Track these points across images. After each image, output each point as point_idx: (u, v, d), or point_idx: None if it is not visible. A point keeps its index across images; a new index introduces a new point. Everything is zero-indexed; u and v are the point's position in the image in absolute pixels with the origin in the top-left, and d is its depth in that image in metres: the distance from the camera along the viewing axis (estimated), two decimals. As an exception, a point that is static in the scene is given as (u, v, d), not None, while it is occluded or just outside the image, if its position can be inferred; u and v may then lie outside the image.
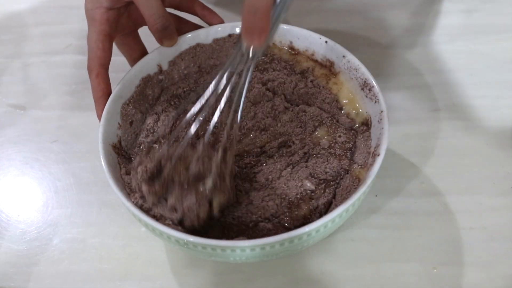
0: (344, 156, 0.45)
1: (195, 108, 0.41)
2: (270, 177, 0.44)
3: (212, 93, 0.41)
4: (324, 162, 0.44)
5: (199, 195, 0.38)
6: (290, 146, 0.46)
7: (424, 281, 0.43)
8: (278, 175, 0.44)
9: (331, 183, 0.43)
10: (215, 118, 0.40)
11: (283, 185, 0.43)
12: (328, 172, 0.44)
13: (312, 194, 0.42)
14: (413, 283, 0.44)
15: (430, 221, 0.47)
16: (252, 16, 0.35)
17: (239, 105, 0.41)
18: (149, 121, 0.48)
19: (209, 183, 0.38)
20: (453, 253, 0.45)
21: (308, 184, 0.43)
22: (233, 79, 0.41)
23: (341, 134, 0.46)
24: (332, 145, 0.45)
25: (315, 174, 0.44)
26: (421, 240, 0.46)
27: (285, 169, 0.44)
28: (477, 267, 0.44)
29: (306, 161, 0.45)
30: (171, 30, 0.47)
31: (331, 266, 0.45)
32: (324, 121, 0.47)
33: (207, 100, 0.41)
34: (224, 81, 0.41)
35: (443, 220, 0.47)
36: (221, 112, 0.40)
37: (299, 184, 0.43)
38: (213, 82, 0.41)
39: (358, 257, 0.45)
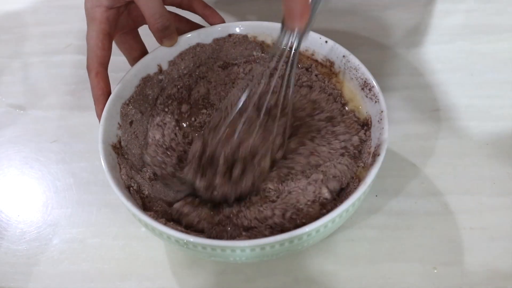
0: (358, 156, 0.45)
1: (245, 94, 0.44)
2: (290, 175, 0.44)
3: (259, 80, 0.45)
4: (348, 169, 0.43)
5: (260, 170, 0.43)
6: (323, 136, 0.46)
7: (424, 281, 0.43)
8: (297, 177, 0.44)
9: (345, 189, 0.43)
10: (268, 95, 0.44)
11: (298, 191, 0.42)
12: (347, 181, 0.43)
13: (325, 200, 0.42)
14: (413, 283, 0.43)
15: (430, 221, 0.47)
16: (292, 1, 0.38)
17: (290, 81, 0.44)
18: (158, 136, 0.47)
19: (267, 160, 0.43)
20: (453, 253, 0.45)
21: (326, 194, 0.42)
22: (277, 65, 0.44)
23: (364, 132, 0.46)
24: (359, 144, 0.45)
25: (336, 186, 0.43)
26: (421, 240, 0.46)
27: (310, 169, 0.44)
28: (477, 267, 0.44)
29: (341, 158, 0.44)
30: (172, 30, 0.47)
31: (331, 266, 0.45)
32: (335, 115, 0.47)
33: (254, 86, 0.45)
34: (269, 70, 0.45)
35: (443, 220, 0.47)
36: (272, 92, 0.44)
37: (317, 192, 0.42)
38: (259, 71, 0.45)
39: (358, 257, 0.45)
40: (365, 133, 0.45)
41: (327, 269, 0.45)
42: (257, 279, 0.45)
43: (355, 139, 0.45)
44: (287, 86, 0.44)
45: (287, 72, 0.44)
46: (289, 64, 0.44)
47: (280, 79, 0.45)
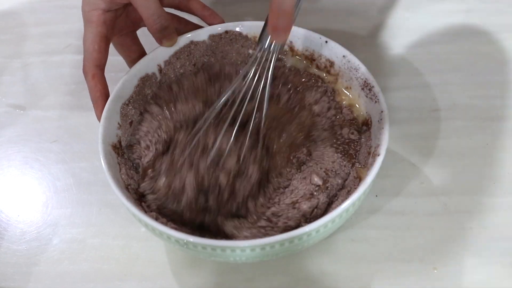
0: (354, 156, 0.45)
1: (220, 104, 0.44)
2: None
3: (236, 89, 0.45)
4: (338, 162, 0.44)
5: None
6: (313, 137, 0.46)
7: (424, 281, 0.43)
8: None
9: (339, 182, 0.43)
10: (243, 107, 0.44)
11: (298, 184, 0.43)
12: (339, 174, 0.44)
13: (317, 188, 0.42)
14: (413, 283, 0.44)
15: (430, 221, 0.47)
16: (278, 17, 0.38)
17: (265, 94, 0.44)
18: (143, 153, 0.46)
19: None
20: (453, 253, 0.45)
21: (316, 179, 0.43)
22: (254, 74, 0.45)
23: (354, 131, 0.46)
24: (348, 137, 0.46)
25: (328, 172, 0.44)
26: (421, 240, 0.46)
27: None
28: (477, 267, 0.44)
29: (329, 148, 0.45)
30: (171, 30, 0.47)
31: (331, 266, 0.45)
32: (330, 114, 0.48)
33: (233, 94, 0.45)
34: (249, 77, 0.45)
35: (443, 220, 0.47)
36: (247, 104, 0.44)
37: (308, 180, 0.43)
38: (237, 82, 0.45)
39: (358, 257, 0.45)
40: (358, 131, 0.46)
41: (327, 269, 0.45)
42: (257, 279, 0.45)
43: (345, 130, 0.46)
44: (261, 101, 0.44)
45: (261, 84, 0.44)
46: (265, 72, 0.44)
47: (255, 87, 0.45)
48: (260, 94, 0.44)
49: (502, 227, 0.46)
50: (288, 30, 0.39)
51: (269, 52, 0.44)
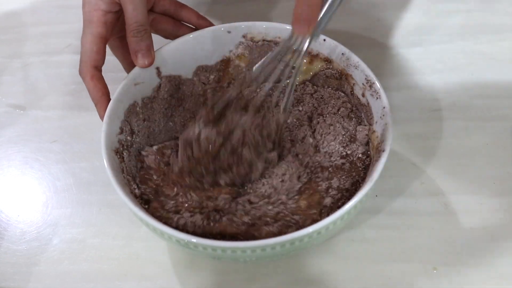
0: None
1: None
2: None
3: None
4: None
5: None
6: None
7: (424, 281, 0.43)
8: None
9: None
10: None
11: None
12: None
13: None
14: (413, 283, 0.44)
15: (431, 221, 0.47)
16: (303, 7, 0.38)
17: (290, 93, 0.45)
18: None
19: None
20: (453, 253, 0.45)
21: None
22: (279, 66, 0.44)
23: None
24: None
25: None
26: (421, 240, 0.46)
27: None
28: (477, 267, 0.44)
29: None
30: (147, 46, 0.46)
31: (331, 266, 0.45)
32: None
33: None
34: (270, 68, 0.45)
35: (444, 220, 0.47)
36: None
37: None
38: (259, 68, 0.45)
39: (358, 257, 0.45)
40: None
41: (327, 269, 0.45)
42: (257, 279, 0.45)
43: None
44: (289, 89, 0.45)
45: (290, 74, 0.44)
46: (291, 65, 0.44)
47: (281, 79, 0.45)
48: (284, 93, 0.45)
49: (502, 227, 0.46)
50: (311, 23, 0.39)
51: (290, 46, 0.43)
